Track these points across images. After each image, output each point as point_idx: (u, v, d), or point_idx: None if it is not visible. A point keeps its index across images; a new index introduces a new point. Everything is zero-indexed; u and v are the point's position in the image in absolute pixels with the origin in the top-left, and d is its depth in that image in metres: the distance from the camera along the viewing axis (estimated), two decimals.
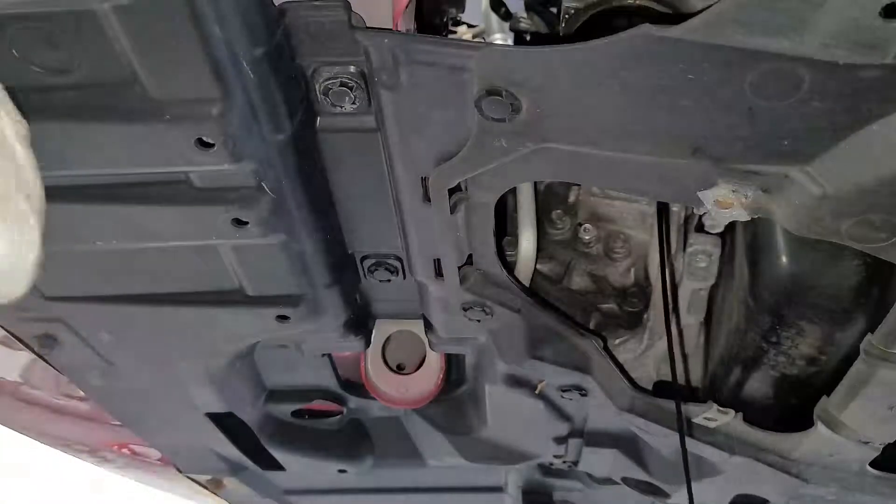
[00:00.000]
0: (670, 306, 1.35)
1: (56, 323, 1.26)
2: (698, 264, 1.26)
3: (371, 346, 1.49)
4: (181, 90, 0.80)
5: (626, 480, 1.81)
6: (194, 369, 1.44)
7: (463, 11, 1.72)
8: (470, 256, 1.20)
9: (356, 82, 0.92)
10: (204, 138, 0.84)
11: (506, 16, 1.57)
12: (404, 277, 1.27)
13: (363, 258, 1.25)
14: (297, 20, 0.85)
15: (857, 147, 0.80)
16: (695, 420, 1.35)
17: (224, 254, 1.10)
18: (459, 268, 1.20)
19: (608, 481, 1.91)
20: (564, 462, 1.87)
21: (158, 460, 1.97)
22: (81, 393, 1.60)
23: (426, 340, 1.48)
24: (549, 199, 1.44)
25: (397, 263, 1.25)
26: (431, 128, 0.96)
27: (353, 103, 0.94)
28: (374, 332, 1.47)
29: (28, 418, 1.87)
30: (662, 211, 1.34)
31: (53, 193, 0.95)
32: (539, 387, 1.53)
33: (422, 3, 1.28)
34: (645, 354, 1.50)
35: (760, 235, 1.13)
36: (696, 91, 0.79)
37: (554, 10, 1.54)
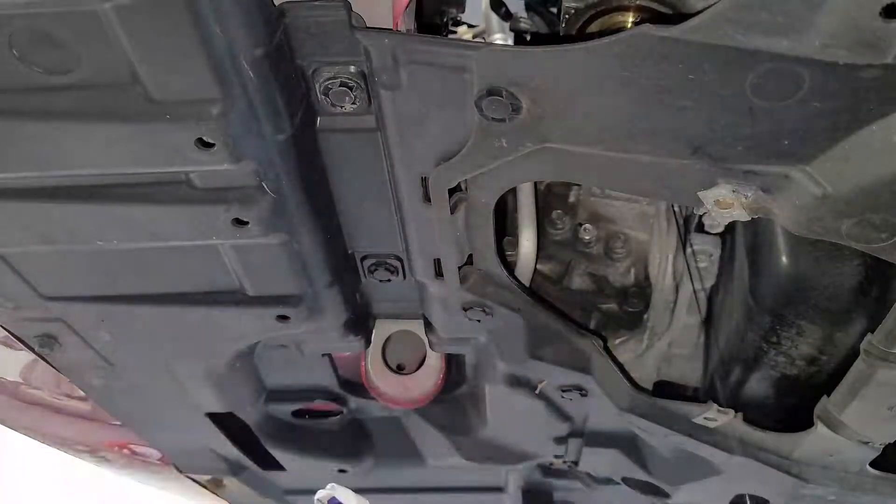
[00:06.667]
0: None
1: (56, 323, 1.26)
2: (698, 264, 1.26)
3: (371, 346, 1.49)
4: (181, 90, 0.80)
5: (626, 480, 1.81)
6: (194, 369, 1.44)
7: (463, 11, 1.71)
8: (470, 256, 1.20)
9: (356, 82, 0.92)
10: (204, 138, 0.84)
11: (506, 16, 1.57)
12: (404, 277, 1.27)
13: (363, 258, 1.25)
14: (297, 20, 0.85)
15: (857, 147, 0.80)
16: (695, 420, 1.35)
17: (224, 254, 1.10)
18: (459, 268, 1.20)
19: (608, 481, 1.91)
20: (564, 462, 1.86)
21: (158, 460, 1.97)
22: (81, 393, 1.59)
23: (426, 340, 1.47)
24: (549, 199, 1.44)
25: (397, 263, 1.25)
26: (431, 128, 0.96)
27: (353, 103, 0.94)
28: (374, 332, 1.47)
29: (28, 418, 1.87)
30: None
31: (54, 193, 0.96)
32: (539, 387, 1.53)
33: (422, 3, 1.28)
34: (645, 354, 1.50)
35: (760, 235, 1.13)
36: (696, 91, 0.79)
37: (554, 10, 1.54)
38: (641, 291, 1.47)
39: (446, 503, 2.24)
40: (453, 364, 1.68)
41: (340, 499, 0.91)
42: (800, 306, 1.12)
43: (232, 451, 1.80)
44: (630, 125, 0.86)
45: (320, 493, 0.96)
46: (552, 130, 0.89)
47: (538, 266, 1.38)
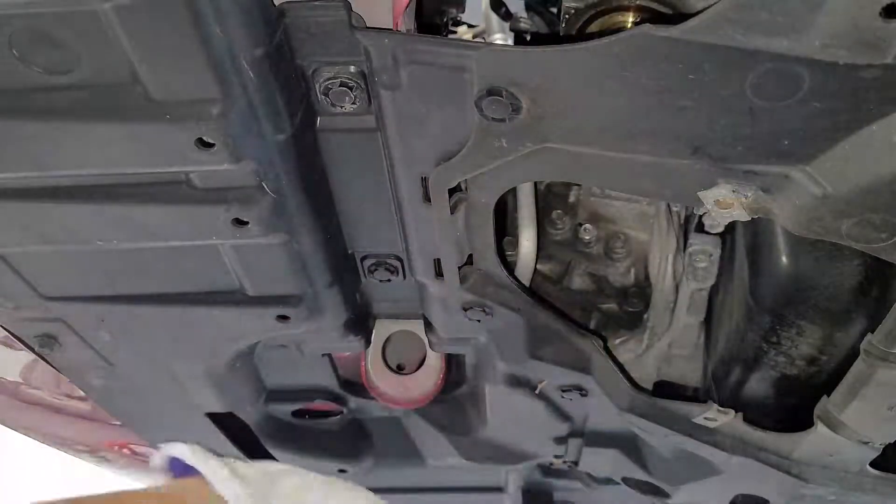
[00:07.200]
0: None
1: (56, 323, 1.26)
2: (698, 264, 1.26)
3: (371, 346, 1.49)
4: (181, 90, 0.80)
5: (626, 480, 1.81)
6: (194, 369, 1.44)
7: (463, 11, 1.71)
8: (470, 256, 1.20)
9: (356, 82, 0.92)
10: (204, 138, 0.84)
11: (506, 16, 1.57)
12: (404, 277, 1.27)
13: (363, 258, 1.25)
14: (298, 20, 0.85)
15: (857, 147, 0.80)
16: (695, 420, 1.35)
17: (224, 254, 1.10)
18: (459, 268, 1.20)
19: (608, 481, 1.91)
20: (564, 462, 1.86)
21: None
22: (81, 393, 1.60)
23: (426, 340, 1.47)
24: (550, 199, 1.44)
25: (397, 263, 1.25)
26: (431, 128, 0.96)
27: (353, 103, 0.94)
28: (374, 332, 1.47)
29: (28, 418, 1.87)
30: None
31: (54, 193, 0.96)
32: (539, 387, 1.53)
33: (422, 3, 1.28)
34: (645, 354, 1.50)
35: (760, 235, 1.13)
36: (696, 91, 0.79)
37: (554, 10, 1.54)
38: (641, 291, 1.47)
39: (446, 503, 2.24)
40: (453, 364, 1.68)
41: (180, 456, 0.84)
42: (800, 306, 1.11)
43: (232, 451, 1.80)
44: (630, 125, 0.86)
45: (156, 459, 0.89)
46: (552, 130, 0.89)
47: (538, 266, 1.38)
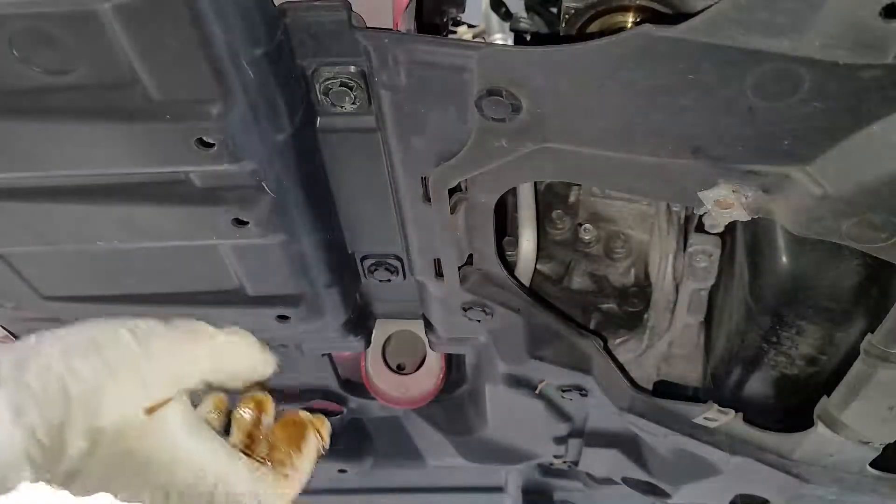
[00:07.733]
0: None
1: (56, 323, 1.26)
2: (698, 264, 1.26)
3: (371, 346, 1.48)
4: (181, 90, 0.80)
5: (626, 480, 1.81)
6: None
7: (463, 11, 1.71)
8: (470, 256, 1.20)
9: (356, 82, 0.92)
10: (204, 138, 0.84)
11: (506, 16, 1.57)
12: (404, 277, 1.27)
13: (363, 258, 1.25)
14: (298, 20, 0.85)
15: (857, 147, 0.80)
16: (695, 420, 1.35)
17: (224, 254, 1.10)
18: (459, 268, 1.20)
19: (608, 481, 1.91)
20: (564, 462, 1.87)
21: None
22: None
23: (426, 340, 1.47)
24: (550, 199, 1.44)
25: (397, 263, 1.25)
26: (431, 128, 0.96)
27: (354, 103, 0.94)
28: (374, 332, 1.47)
29: None
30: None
31: (54, 193, 0.96)
32: (539, 387, 1.53)
33: (422, 3, 1.28)
34: (645, 354, 1.50)
35: (760, 235, 1.13)
36: (696, 91, 0.79)
37: (554, 10, 1.54)
38: (641, 291, 1.47)
39: (446, 503, 2.24)
40: (453, 364, 1.68)
41: None
42: (800, 306, 1.11)
43: None
44: (630, 125, 0.86)
45: None
46: (552, 130, 0.89)
47: (538, 266, 1.38)
